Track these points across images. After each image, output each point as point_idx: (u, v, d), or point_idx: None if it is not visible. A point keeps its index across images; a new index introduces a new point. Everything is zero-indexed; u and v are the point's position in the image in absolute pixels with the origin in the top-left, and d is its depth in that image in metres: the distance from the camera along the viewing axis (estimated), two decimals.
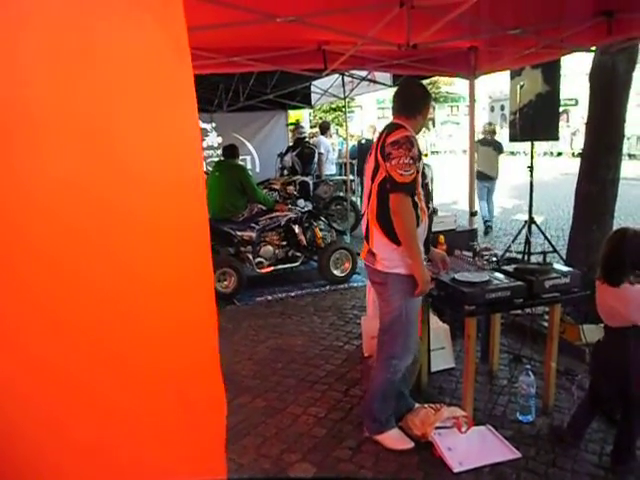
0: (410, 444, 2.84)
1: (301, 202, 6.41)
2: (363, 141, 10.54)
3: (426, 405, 3.02)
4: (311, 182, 7.82)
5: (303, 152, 8.22)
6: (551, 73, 5.02)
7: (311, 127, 18.10)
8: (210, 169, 6.74)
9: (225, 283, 5.55)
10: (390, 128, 2.67)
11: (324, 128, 9.74)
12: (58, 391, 0.95)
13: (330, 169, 9.35)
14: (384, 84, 7.20)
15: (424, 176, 2.73)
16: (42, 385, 0.94)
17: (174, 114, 1.03)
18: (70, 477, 0.97)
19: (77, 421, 0.98)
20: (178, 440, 1.13)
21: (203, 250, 1.14)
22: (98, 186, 0.93)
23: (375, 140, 2.81)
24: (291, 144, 9.15)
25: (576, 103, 26.92)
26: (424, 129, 2.69)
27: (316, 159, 8.39)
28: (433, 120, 31.33)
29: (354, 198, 9.38)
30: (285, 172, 8.71)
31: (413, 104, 2.78)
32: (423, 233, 2.76)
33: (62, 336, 0.94)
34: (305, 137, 8.47)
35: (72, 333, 0.95)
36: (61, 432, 0.96)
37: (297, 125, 9.42)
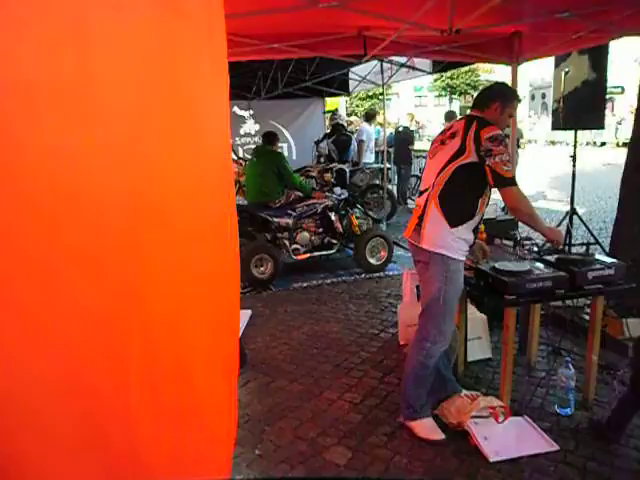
0: (441, 436, 2.83)
1: (337, 190, 6.42)
2: (401, 129, 10.43)
3: (462, 394, 3.01)
4: (348, 170, 7.79)
5: (339, 139, 8.18)
6: (598, 59, 4.87)
7: (347, 115, 18.01)
8: (248, 156, 6.80)
9: (262, 269, 5.62)
10: (482, 123, 2.69)
11: (370, 116, 9.65)
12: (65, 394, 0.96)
13: (369, 157, 9.28)
14: (423, 71, 7.11)
15: None
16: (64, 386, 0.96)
17: (205, 112, 1.03)
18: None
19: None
20: (184, 440, 1.13)
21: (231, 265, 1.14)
22: (132, 181, 0.94)
23: (452, 125, 2.85)
24: (328, 131, 9.12)
25: (622, 91, 26.03)
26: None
27: (353, 146, 8.31)
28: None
29: (390, 186, 9.30)
30: (322, 160, 8.70)
31: (485, 98, 2.88)
32: (479, 221, 2.80)
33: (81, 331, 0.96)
34: (341, 123, 8.39)
35: (90, 331, 0.97)
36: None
37: (334, 111, 9.37)
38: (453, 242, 2.70)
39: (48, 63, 0.81)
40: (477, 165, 2.64)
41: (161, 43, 0.93)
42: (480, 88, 35.34)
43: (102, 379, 0.96)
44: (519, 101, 2.95)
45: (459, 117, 3.15)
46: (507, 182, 2.63)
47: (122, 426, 0.99)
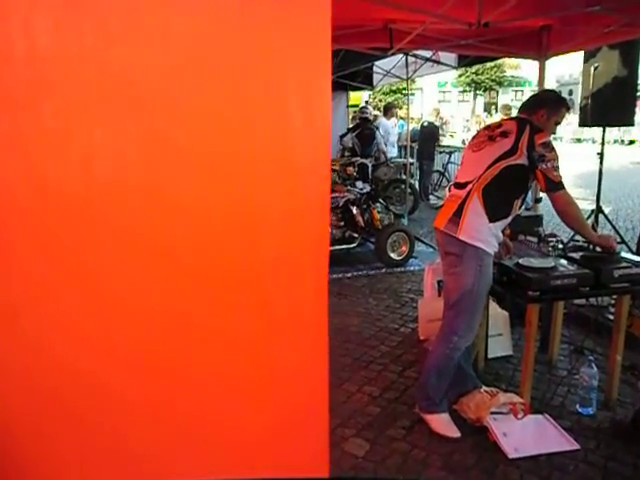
0: (457, 433, 2.82)
1: (359, 184, 6.40)
2: (425, 124, 10.35)
3: (482, 390, 3.00)
4: (370, 164, 7.75)
5: (363, 133, 8.12)
6: (630, 54, 4.78)
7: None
8: None
9: None
10: (534, 128, 2.75)
11: (387, 109, 9.61)
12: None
13: (391, 151, 9.22)
14: (449, 65, 7.04)
15: None
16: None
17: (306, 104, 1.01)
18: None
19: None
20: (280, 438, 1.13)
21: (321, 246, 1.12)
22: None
23: (502, 124, 2.90)
24: (351, 125, 9.08)
25: None
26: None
27: (376, 141, 8.25)
28: (496, 105, 30.43)
29: (412, 181, 9.25)
30: (346, 153, 8.67)
31: (534, 102, 2.96)
32: (510, 221, 2.85)
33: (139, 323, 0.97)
34: (368, 118, 8.32)
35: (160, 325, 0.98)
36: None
37: (364, 106, 9.27)
38: (489, 237, 2.72)
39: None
40: (525, 168, 2.71)
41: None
42: (506, 84, 34.83)
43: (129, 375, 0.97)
44: (568, 109, 3.01)
45: (507, 117, 3.18)
46: (558, 187, 2.70)
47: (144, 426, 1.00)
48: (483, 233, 2.71)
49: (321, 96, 0.98)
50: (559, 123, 2.96)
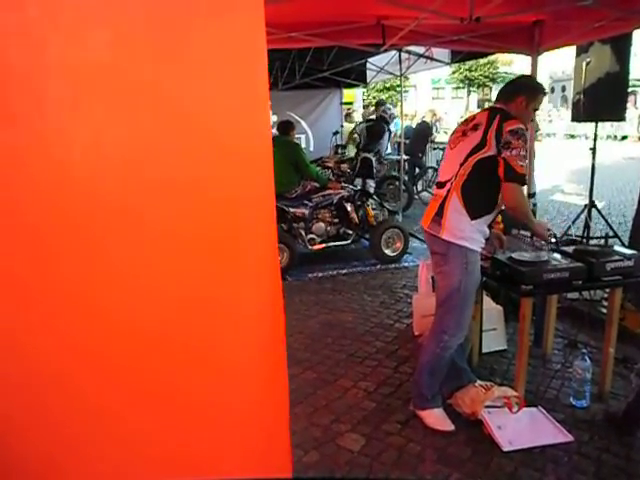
0: (450, 427, 2.84)
1: (370, 182, 6.38)
2: (420, 122, 10.39)
3: (477, 384, 3.01)
4: (374, 159, 7.73)
5: (374, 128, 8.04)
6: (621, 49, 4.79)
7: (363, 107, 17.92)
8: None
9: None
10: (505, 116, 2.65)
11: (377, 105, 9.62)
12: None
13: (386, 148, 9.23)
14: (442, 61, 7.04)
15: None
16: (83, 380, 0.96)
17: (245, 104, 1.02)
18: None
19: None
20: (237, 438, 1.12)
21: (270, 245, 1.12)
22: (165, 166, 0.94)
23: (481, 116, 2.78)
24: (368, 118, 9.04)
25: None
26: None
27: (383, 139, 8.15)
28: (490, 101, 30.50)
29: (406, 178, 9.27)
30: (339, 150, 8.68)
31: (510, 90, 2.84)
32: (495, 215, 2.81)
33: (100, 322, 0.96)
34: (387, 120, 8.17)
35: (120, 324, 0.97)
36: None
37: (381, 102, 9.19)
38: (473, 234, 2.68)
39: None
40: (496, 159, 2.61)
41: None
42: (499, 80, 34.88)
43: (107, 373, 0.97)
44: (545, 94, 2.91)
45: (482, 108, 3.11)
46: (516, 177, 2.58)
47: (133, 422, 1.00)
48: (466, 231, 2.68)
49: (257, 92, 1.01)
50: (537, 109, 2.87)
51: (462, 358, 3.09)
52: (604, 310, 3.62)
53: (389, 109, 8.46)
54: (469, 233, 2.68)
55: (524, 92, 2.78)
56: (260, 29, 1.00)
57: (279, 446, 1.19)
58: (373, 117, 8.71)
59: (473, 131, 2.73)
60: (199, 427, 1.05)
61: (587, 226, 5.39)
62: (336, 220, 6.11)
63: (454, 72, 34.11)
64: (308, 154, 7.61)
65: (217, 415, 1.07)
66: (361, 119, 8.90)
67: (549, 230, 2.97)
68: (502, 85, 3.00)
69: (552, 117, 28.12)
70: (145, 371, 0.99)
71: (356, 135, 8.19)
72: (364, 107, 17.66)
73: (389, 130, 8.42)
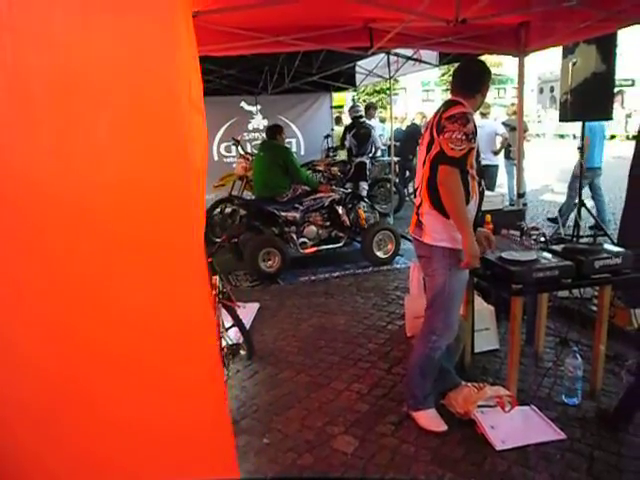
0: (443, 427, 2.84)
1: (363, 184, 6.40)
2: (410, 124, 10.42)
3: (469, 384, 3.02)
4: (368, 162, 7.75)
5: (359, 132, 8.08)
6: (607, 49, 4.84)
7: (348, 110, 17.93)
8: (256, 151, 6.83)
9: (269, 263, 5.64)
10: (447, 104, 2.67)
11: (367, 109, 9.64)
12: (57, 396, 0.97)
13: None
14: (430, 63, 7.08)
15: (478, 154, 2.70)
16: (42, 390, 0.96)
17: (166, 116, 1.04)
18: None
19: (77, 426, 0.99)
20: (182, 442, 1.13)
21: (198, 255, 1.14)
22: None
23: (432, 117, 2.78)
24: (345, 125, 9.09)
25: (632, 84, 25.75)
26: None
27: (372, 139, 8.20)
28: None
29: (396, 180, 9.29)
30: (330, 153, 8.69)
31: (472, 82, 2.78)
32: (473, 210, 2.75)
33: (60, 341, 0.96)
34: (361, 116, 8.30)
35: (72, 338, 0.97)
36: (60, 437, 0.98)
37: (353, 105, 9.28)
38: (453, 233, 2.67)
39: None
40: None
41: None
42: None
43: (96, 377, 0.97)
44: (490, 75, 2.85)
45: None
46: (446, 159, 2.54)
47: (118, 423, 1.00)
48: (445, 232, 2.68)
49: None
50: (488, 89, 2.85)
51: (448, 361, 3.08)
52: (594, 308, 3.64)
53: (358, 107, 8.55)
54: (449, 232, 2.68)
55: (486, 81, 2.78)
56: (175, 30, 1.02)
57: (222, 448, 1.21)
58: (351, 122, 8.79)
59: (427, 131, 2.76)
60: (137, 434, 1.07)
61: (577, 225, 5.43)
62: (327, 223, 6.12)
63: (444, 74, 34.16)
64: (299, 158, 7.62)
65: (147, 422, 1.08)
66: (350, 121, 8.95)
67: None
68: (457, 75, 2.86)
69: (541, 118, 28.28)
70: (65, 371, 1.00)
71: (348, 145, 8.23)
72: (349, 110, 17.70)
73: (373, 129, 8.48)
